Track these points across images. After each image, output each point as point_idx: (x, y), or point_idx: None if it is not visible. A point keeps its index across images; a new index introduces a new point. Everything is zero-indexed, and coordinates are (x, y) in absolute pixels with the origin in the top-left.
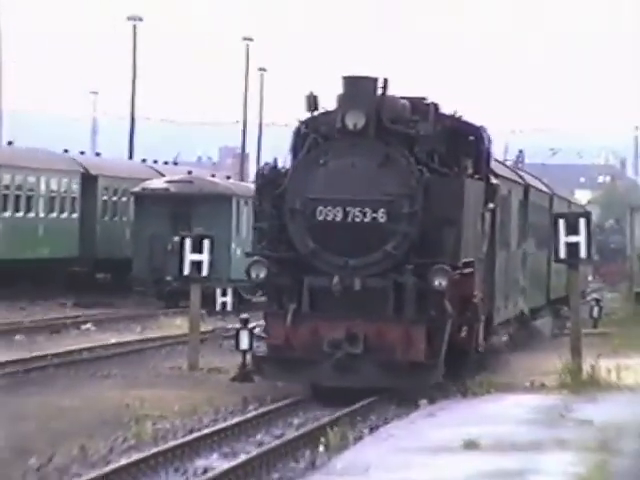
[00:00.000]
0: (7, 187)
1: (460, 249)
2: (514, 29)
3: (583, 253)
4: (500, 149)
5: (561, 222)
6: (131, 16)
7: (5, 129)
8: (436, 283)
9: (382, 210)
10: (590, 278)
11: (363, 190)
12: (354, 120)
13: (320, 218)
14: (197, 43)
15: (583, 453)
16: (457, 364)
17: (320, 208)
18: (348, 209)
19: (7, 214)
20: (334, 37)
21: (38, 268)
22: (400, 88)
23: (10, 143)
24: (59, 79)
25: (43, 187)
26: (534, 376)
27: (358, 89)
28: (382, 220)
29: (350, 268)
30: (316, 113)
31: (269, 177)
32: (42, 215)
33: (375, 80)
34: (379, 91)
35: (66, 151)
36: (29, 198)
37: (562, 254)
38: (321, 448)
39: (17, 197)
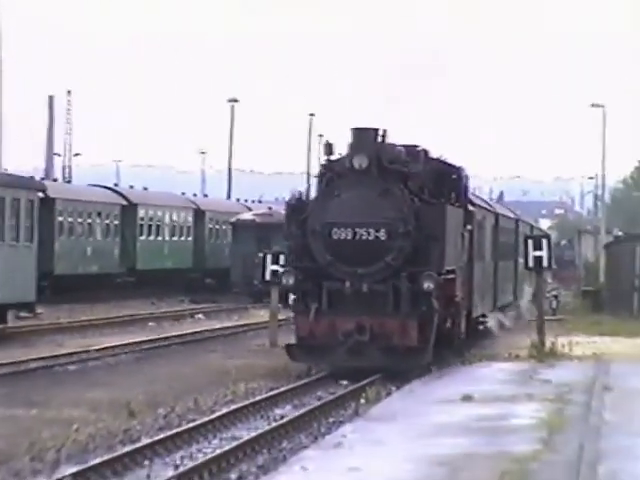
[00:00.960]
0: (142, 219)
1: (444, 260)
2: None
3: (545, 263)
4: (486, 190)
5: (529, 241)
6: (230, 98)
7: (127, 178)
8: (425, 286)
9: (383, 230)
10: (550, 281)
11: (367, 215)
12: (359, 162)
13: (335, 237)
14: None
15: (544, 403)
16: (444, 347)
17: (335, 229)
18: (356, 230)
19: (143, 237)
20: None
21: (164, 275)
22: (404, 136)
23: (145, 189)
24: (170, 138)
25: (167, 219)
26: (511, 350)
27: (362, 138)
28: (383, 238)
29: (359, 275)
30: (332, 157)
31: (295, 206)
32: (167, 238)
33: (376, 130)
34: (379, 139)
35: (183, 194)
36: (158, 227)
37: (531, 264)
38: (362, 400)
39: (149, 226)
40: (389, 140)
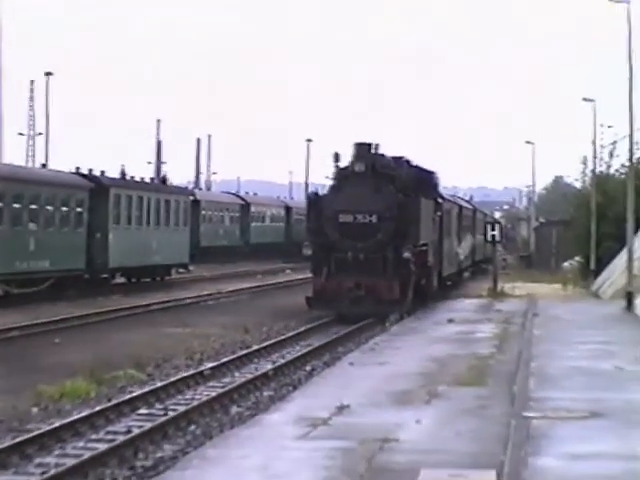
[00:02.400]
0: (253, 212)
1: (419, 236)
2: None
3: (498, 238)
4: (461, 194)
5: (489, 225)
6: (307, 138)
7: (245, 187)
8: (405, 255)
9: (375, 215)
10: (500, 249)
11: (364, 205)
12: (359, 167)
13: (341, 220)
14: None
15: (497, 323)
16: (422, 298)
17: (341, 215)
18: (356, 215)
19: (254, 223)
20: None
21: (267, 246)
22: (393, 148)
23: (255, 194)
24: (269, 159)
25: (268, 212)
26: (477, 291)
27: (361, 150)
28: (375, 221)
29: (358, 248)
30: (339, 164)
31: (313, 200)
32: (268, 223)
33: (370, 144)
34: (373, 150)
35: (278, 197)
36: (263, 217)
37: (489, 238)
38: (387, 323)
39: (258, 216)
40: (381, 151)
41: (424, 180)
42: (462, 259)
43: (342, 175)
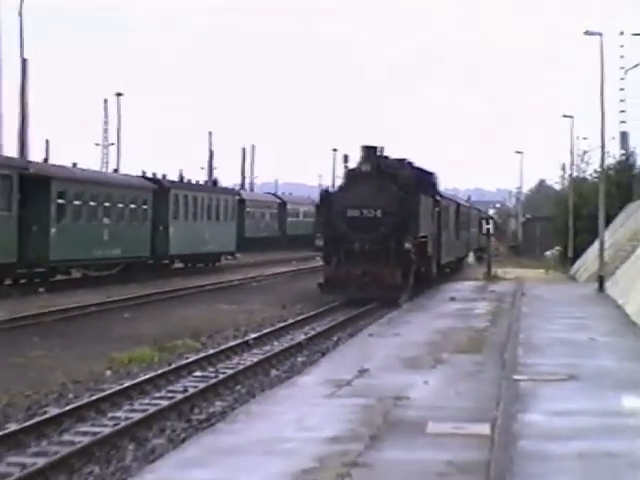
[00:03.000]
0: (289, 209)
1: (418, 229)
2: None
3: (492, 231)
4: (461, 195)
5: (484, 220)
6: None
7: (282, 188)
8: (406, 246)
9: (379, 210)
10: (494, 240)
11: (370, 201)
12: (365, 168)
13: (349, 214)
14: None
15: (491, 302)
16: (422, 285)
17: (349, 210)
18: (363, 210)
19: (289, 219)
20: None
21: (301, 237)
22: (399, 150)
23: (291, 194)
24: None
25: (301, 209)
26: (475, 275)
27: (368, 152)
28: (379, 216)
29: (364, 240)
30: (348, 164)
31: (324, 196)
32: (301, 219)
33: (376, 148)
34: (378, 153)
35: (309, 197)
36: (297, 213)
37: (484, 231)
38: (400, 302)
39: (293, 212)
40: (386, 153)
41: (424, 180)
42: (459, 249)
43: (350, 174)
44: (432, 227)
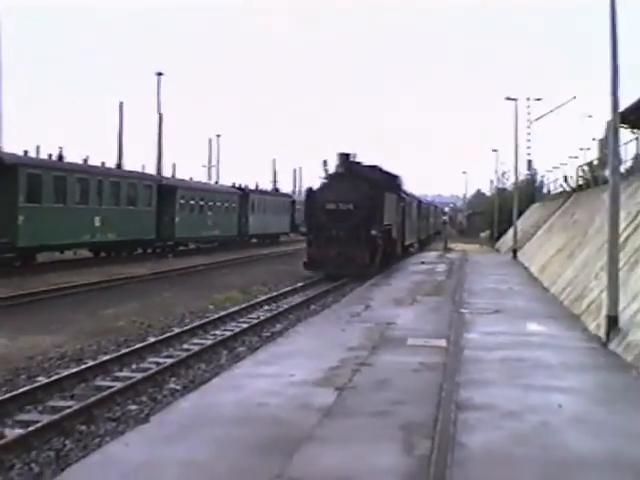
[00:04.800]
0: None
1: (383, 219)
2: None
3: (447, 220)
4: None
5: (442, 214)
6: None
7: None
8: (372, 232)
9: (351, 204)
10: (449, 226)
11: (344, 197)
12: (340, 170)
13: (328, 208)
14: None
15: (447, 264)
16: (389, 261)
17: (328, 204)
18: (339, 204)
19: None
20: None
21: None
22: (373, 156)
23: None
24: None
25: None
26: (436, 248)
27: (342, 158)
28: (352, 209)
29: (339, 227)
30: (327, 167)
31: (309, 193)
32: None
33: (349, 154)
34: (352, 159)
35: None
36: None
37: (442, 221)
38: (379, 270)
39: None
40: (380, 164)
41: (390, 181)
42: (419, 234)
43: (329, 176)
44: (397, 218)
